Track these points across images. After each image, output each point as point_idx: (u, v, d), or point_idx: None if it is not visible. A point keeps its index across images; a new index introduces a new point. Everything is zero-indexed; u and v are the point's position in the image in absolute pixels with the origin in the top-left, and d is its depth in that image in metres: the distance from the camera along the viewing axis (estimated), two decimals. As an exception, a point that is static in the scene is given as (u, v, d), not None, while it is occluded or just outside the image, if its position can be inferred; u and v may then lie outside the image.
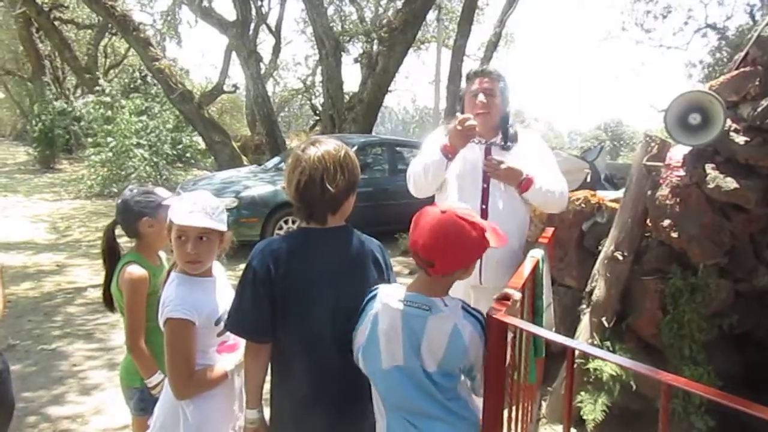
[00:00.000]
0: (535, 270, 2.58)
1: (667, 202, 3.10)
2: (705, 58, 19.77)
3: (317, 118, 24.68)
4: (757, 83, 2.97)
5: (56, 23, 20.22)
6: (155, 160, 13.04)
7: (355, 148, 8.83)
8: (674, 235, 3.06)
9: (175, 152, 13.66)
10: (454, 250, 1.67)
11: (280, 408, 1.95)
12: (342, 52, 14.33)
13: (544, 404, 3.53)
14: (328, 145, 1.86)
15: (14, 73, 25.50)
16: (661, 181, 3.18)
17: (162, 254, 2.60)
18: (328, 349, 1.85)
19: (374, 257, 1.89)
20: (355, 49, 24.18)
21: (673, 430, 3.17)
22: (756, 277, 3.19)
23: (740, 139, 2.91)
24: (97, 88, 14.74)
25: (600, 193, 3.91)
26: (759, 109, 2.87)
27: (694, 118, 2.91)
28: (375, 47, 16.64)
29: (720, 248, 3.02)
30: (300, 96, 29.99)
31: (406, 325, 1.70)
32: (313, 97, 27.69)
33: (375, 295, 1.81)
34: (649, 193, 3.18)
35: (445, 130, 2.92)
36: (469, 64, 23.61)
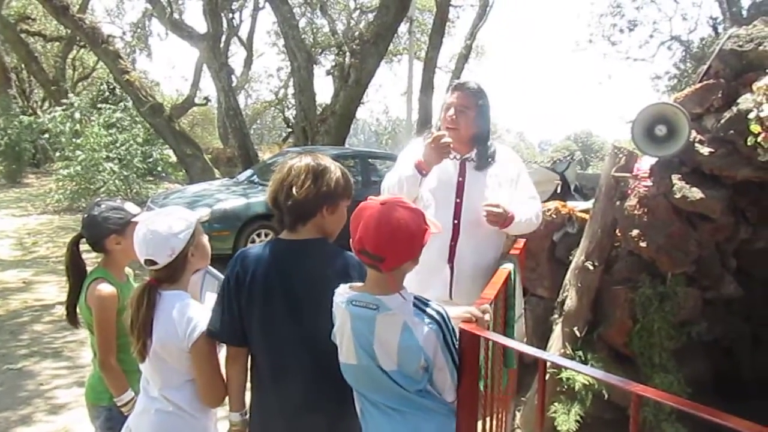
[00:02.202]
0: (507, 281, 2.59)
1: (635, 212, 3.15)
2: (670, 70, 20.23)
3: (290, 130, 24.69)
4: (719, 95, 3.04)
5: (23, 35, 19.91)
6: (125, 173, 12.84)
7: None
8: (642, 244, 3.10)
9: (145, 166, 13.45)
10: (403, 239, 1.64)
11: (254, 416, 1.98)
12: (314, 65, 14.35)
13: (518, 415, 3.54)
14: (311, 157, 1.92)
15: (-21, 87, 24.96)
16: (629, 191, 3.23)
17: (128, 270, 2.56)
18: (296, 359, 1.85)
19: (347, 273, 1.87)
20: (327, 61, 24.29)
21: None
22: (723, 285, 3.25)
23: (705, 150, 2.97)
24: (65, 101, 14.52)
25: (570, 204, 3.96)
26: (722, 121, 2.94)
27: (660, 130, 2.97)
28: (347, 59, 16.68)
29: (687, 257, 3.07)
30: (272, 108, 29.98)
31: (354, 327, 1.68)
32: (285, 109, 27.71)
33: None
34: (618, 203, 3.23)
35: (421, 142, 2.93)
36: (441, 76, 23.93)
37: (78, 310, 2.44)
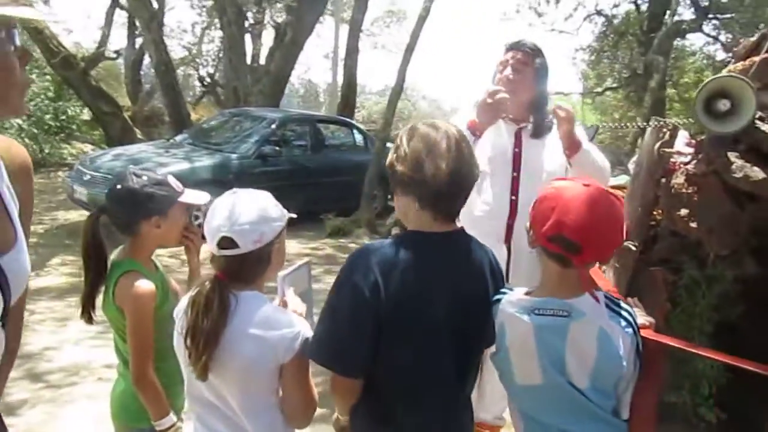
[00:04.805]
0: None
1: (684, 190, 2.99)
2: (593, 44, 20.56)
3: (205, 89, 23.40)
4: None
5: None
6: (35, 131, 11.62)
7: (276, 123, 8.27)
8: (692, 225, 2.96)
9: (58, 123, 12.23)
10: (610, 230, 1.41)
11: None
12: (245, 20, 13.53)
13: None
14: (449, 124, 1.52)
15: None
16: (673, 168, 3.07)
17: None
18: (438, 379, 1.49)
19: (491, 266, 1.56)
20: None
21: (683, 424, 3.13)
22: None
23: (766, 128, 2.83)
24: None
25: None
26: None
27: (724, 104, 2.80)
28: (266, 17, 15.80)
29: (737, 238, 2.96)
30: (185, 66, 28.27)
31: (540, 340, 1.40)
32: (200, 66, 26.18)
33: (498, 300, 1.51)
34: (662, 181, 3.07)
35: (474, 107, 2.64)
36: (365, 40, 23.34)
37: (101, 306, 1.95)
